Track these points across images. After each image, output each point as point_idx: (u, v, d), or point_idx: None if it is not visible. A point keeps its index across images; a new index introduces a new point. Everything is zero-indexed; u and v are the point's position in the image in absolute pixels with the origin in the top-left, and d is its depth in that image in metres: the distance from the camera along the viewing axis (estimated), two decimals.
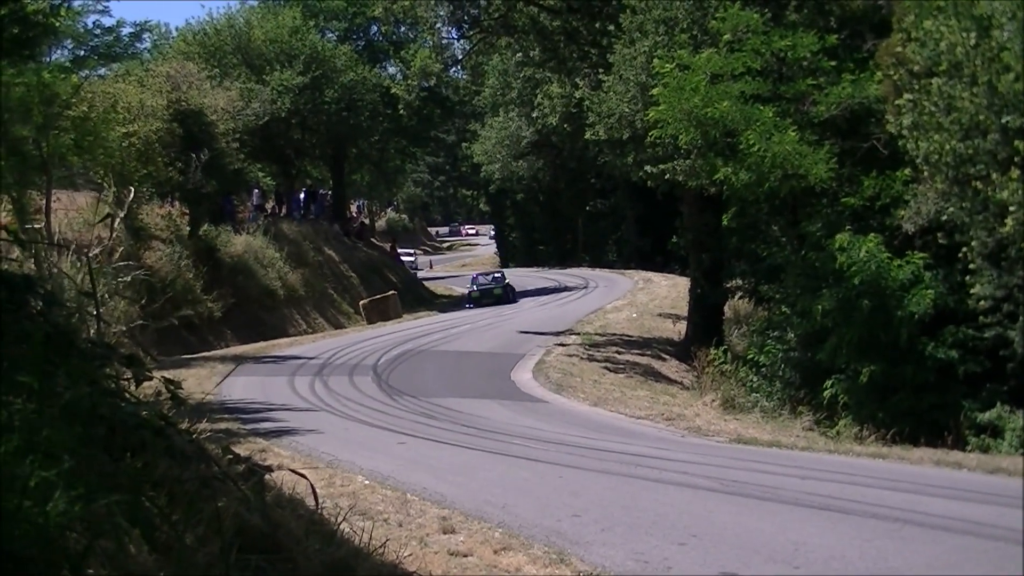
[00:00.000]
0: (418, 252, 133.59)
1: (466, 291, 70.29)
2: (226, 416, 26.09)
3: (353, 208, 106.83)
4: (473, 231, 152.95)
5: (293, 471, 7.30)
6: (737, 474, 19.20)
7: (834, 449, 24.73)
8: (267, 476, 6.82)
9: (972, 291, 29.92)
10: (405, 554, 10.91)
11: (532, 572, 12.18)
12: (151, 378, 5.55)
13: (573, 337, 46.24)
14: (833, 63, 35.55)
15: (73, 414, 4.69)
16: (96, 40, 44.05)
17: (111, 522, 4.44)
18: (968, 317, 30.91)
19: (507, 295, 67.34)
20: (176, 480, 5.29)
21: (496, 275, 71.67)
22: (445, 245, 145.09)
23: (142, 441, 5.10)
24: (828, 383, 31.82)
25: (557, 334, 47.03)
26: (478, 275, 73.40)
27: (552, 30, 46.31)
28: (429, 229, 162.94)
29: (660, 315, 54.90)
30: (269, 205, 76.01)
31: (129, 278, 30.94)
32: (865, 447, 25.56)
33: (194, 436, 6.28)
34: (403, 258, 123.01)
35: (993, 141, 25.06)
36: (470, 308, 64.59)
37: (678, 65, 35.03)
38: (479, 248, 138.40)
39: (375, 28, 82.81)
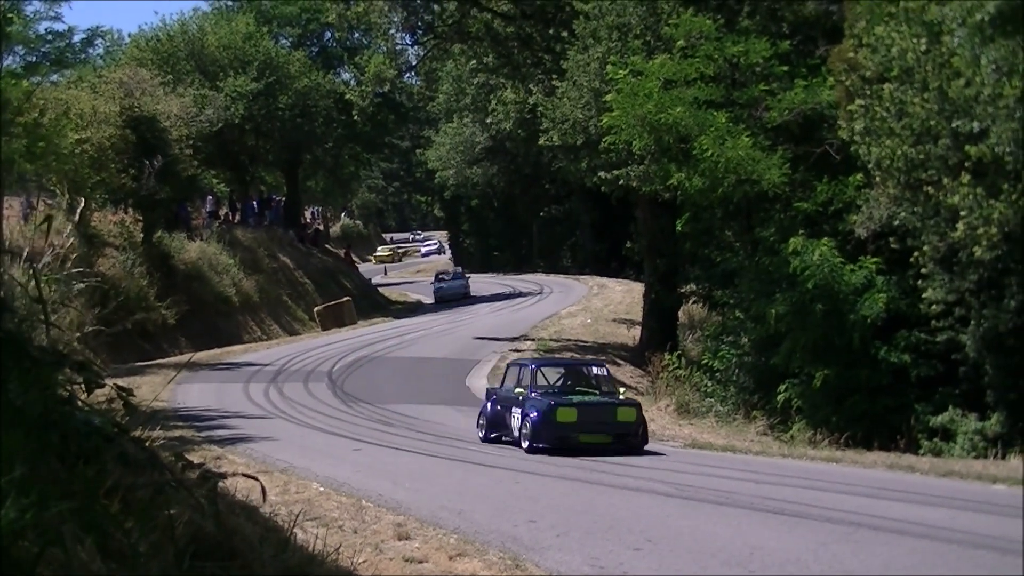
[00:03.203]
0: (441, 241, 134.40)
1: None
2: (180, 423, 26.00)
3: (308, 214, 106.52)
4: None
5: (245, 475, 7.28)
6: (692, 479, 19.26)
7: (788, 453, 24.87)
8: (221, 483, 6.79)
9: (924, 295, 30.13)
10: (360, 561, 10.91)
11: None
12: (104, 385, 5.51)
13: (528, 343, 46.28)
14: (786, 69, 35.74)
15: (25, 421, 4.66)
16: (48, 46, 43.76)
17: (63, 529, 4.41)
18: (920, 321, 31.11)
19: None
20: (129, 487, 5.26)
21: None
22: (400, 251, 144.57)
23: (95, 448, 5.07)
24: (782, 387, 31.96)
25: (512, 340, 47.07)
26: None
27: (506, 36, 46.40)
28: (384, 235, 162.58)
29: (615, 320, 54.99)
30: (223, 212, 75.69)
31: (82, 285, 30.76)
32: (819, 451, 25.70)
33: (148, 443, 6.25)
34: (426, 246, 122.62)
35: (944, 146, 25.21)
36: None
37: (631, 71, 35.14)
38: (431, 256, 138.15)
39: (329, 34, 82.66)
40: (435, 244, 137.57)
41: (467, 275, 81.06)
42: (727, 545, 13.63)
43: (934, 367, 30.88)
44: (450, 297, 73.65)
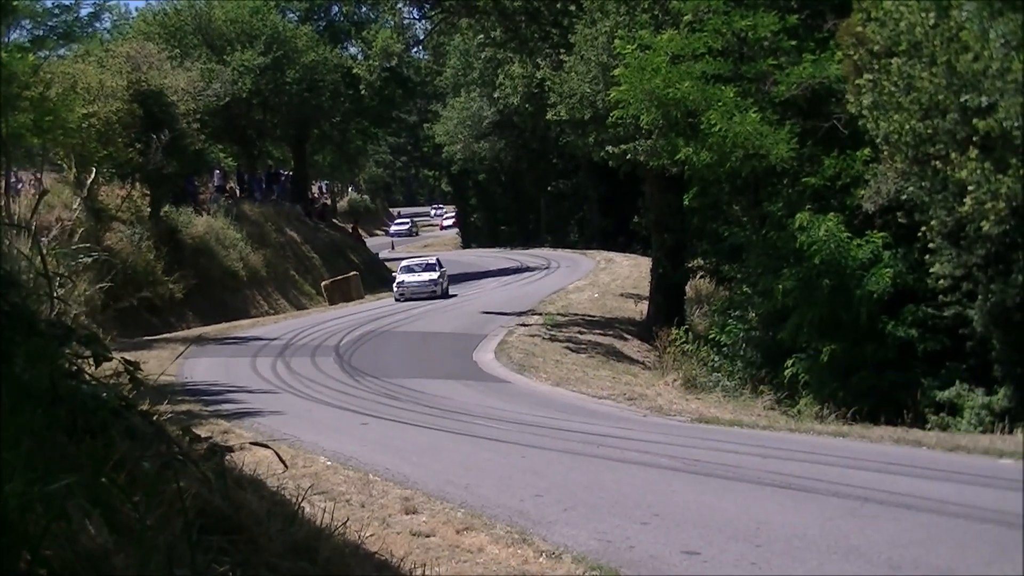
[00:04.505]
0: (415, 221, 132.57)
1: None
2: (188, 398, 26.03)
3: (315, 189, 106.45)
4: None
5: (260, 444, 7.30)
6: (699, 453, 19.26)
7: (795, 428, 24.84)
8: (228, 457, 6.81)
9: (931, 270, 30.12)
10: (367, 534, 10.91)
11: (495, 552, 12.19)
12: (111, 359, 5.52)
13: (535, 317, 46.23)
14: (794, 43, 35.65)
15: (31, 395, 4.67)
16: (55, 20, 43.79)
17: (70, 503, 4.42)
18: (928, 296, 31.13)
19: None
20: (136, 461, 5.27)
21: None
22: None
23: (102, 422, 5.08)
24: (789, 362, 31.98)
25: (519, 314, 47.00)
26: None
27: (513, 10, 46.24)
28: (392, 210, 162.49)
29: (622, 295, 54.94)
30: (230, 186, 75.69)
31: (89, 259, 30.79)
32: (826, 426, 25.68)
33: (155, 417, 6.26)
34: (396, 225, 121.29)
35: (952, 121, 25.17)
36: None
37: (639, 45, 35.08)
38: (439, 229, 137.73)
39: (336, 8, 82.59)
40: (406, 224, 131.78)
41: (443, 267, 59.28)
42: (734, 519, 13.65)
43: (941, 342, 30.92)
44: (415, 297, 54.95)
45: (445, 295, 56.01)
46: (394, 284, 56.92)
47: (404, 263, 60.42)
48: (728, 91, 33.98)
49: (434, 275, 56.45)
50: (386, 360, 35.70)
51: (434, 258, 61.76)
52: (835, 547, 12.14)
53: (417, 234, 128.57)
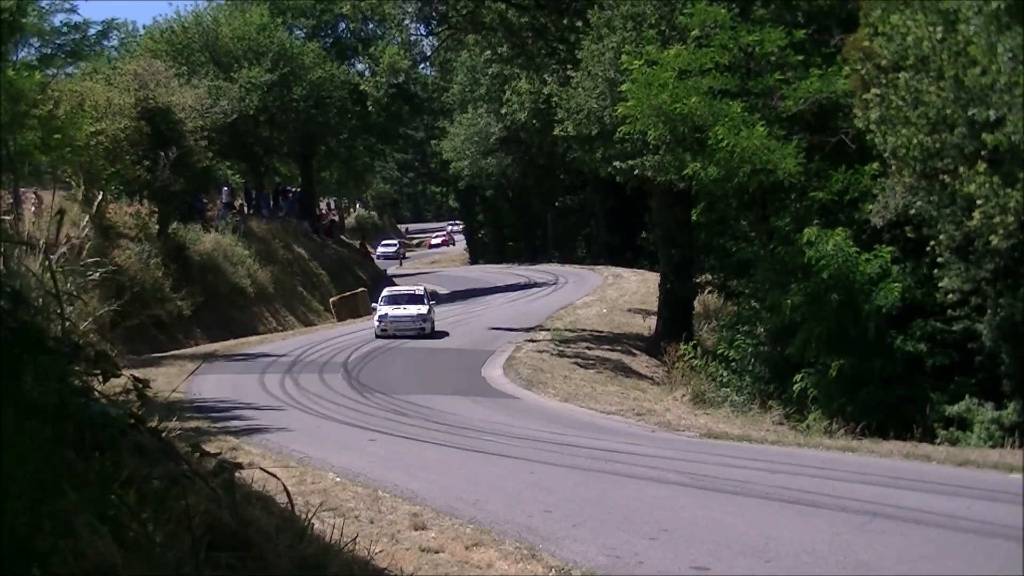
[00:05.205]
0: (403, 243, 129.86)
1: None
2: (196, 415, 25.99)
3: (322, 205, 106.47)
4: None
5: (264, 470, 7.29)
6: (708, 469, 19.22)
7: (804, 443, 24.80)
8: (237, 474, 6.80)
9: (940, 284, 30.07)
10: (376, 551, 10.89)
11: (504, 568, 12.16)
12: (119, 376, 5.52)
13: (543, 333, 46.23)
14: (801, 58, 35.67)
15: (40, 412, 4.67)
16: (63, 38, 43.92)
17: (79, 520, 4.43)
18: (936, 310, 31.08)
19: None
20: (145, 478, 5.27)
21: None
22: (414, 242, 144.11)
23: (110, 439, 5.08)
24: (798, 377, 31.92)
25: (527, 330, 47.00)
26: None
27: (520, 26, 46.31)
28: (399, 226, 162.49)
29: (630, 310, 54.90)
30: (238, 203, 75.82)
31: (97, 276, 30.84)
32: (835, 441, 25.63)
33: (163, 434, 6.26)
34: (384, 246, 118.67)
35: (960, 135, 25.14)
36: None
37: (646, 61, 35.09)
38: (427, 247, 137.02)
39: (343, 25, 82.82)
40: (393, 246, 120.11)
41: (432, 300, 52.70)
42: (742, 535, 13.62)
43: (950, 356, 30.87)
44: (399, 334, 47.08)
45: (432, 332, 48.12)
46: (375, 317, 48.99)
47: (386, 292, 52.82)
48: (735, 106, 33.99)
49: (422, 309, 48.77)
50: (394, 376, 35.71)
51: (420, 288, 53.99)
52: (844, 562, 12.12)
53: (406, 256, 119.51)
